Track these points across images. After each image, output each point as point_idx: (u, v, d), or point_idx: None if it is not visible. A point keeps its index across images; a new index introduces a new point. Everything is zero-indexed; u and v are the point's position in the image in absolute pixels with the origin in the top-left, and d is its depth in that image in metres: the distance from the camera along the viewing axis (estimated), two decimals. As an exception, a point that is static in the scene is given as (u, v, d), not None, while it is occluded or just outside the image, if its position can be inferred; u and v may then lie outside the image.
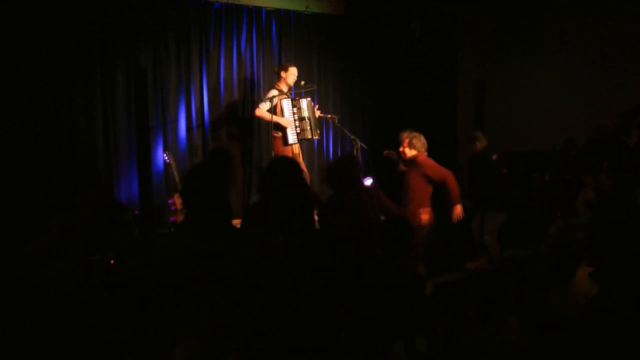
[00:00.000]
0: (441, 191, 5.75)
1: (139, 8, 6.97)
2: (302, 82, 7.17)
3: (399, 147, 5.91)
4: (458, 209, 5.75)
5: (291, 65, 7.08)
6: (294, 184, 3.29)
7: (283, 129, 6.84)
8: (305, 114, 6.94)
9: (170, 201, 6.75)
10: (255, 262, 2.99)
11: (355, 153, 7.04)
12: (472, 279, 5.77)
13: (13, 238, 5.28)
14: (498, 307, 3.07)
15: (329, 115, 7.56)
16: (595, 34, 9.75)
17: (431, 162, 5.68)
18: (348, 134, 7.36)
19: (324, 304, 3.01)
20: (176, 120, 7.38)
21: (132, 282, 4.38)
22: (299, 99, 7.01)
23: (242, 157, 7.91)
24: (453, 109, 10.14)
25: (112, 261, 4.75)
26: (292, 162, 3.70)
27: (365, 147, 7.23)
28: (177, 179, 6.68)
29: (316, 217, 5.60)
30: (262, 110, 6.81)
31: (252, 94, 7.95)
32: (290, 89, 7.07)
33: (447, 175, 5.62)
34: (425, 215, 5.57)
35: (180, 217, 6.47)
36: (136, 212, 6.62)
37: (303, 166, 7.09)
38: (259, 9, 7.95)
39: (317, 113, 7.25)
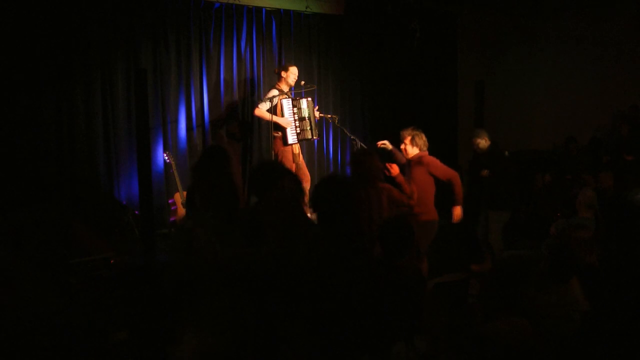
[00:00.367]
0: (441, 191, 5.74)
1: (139, 8, 6.97)
2: (302, 82, 7.16)
3: (399, 146, 5.89)
4: (459, 210, 5.75)
5: (291, 65, 7.08)
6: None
7: (283, 129, 6.84)
8: (306, 114, 6.94)
9: (170, 201, 6.76)
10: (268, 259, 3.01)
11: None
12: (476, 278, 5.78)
13: (12, 238, 5.27)
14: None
15: (329, 115, 7.56)
16: (595, 34, 9.76)
17: (438, 161, 5.68)
18: (348, 133, 7.36)
19: (326, 303, 3.01)
20: (176, 120, 7.38)
21: (131, 282, 4.38)
22: (299, 99, 7.01)
23: (243, 157, 7.91)
24: (453, 109, 10.14)
25: (111, 261, 4.74)
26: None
27: (365, 147, 7.22)
28: (177, 179, 6.68)
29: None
30: (262, 110, 6.81)
31: (252, 94, 7.95)
32: (290, 88, 7.07)
33: (454, 175, 5.62)
34: (430, 214, 5.56)
35: (179, 217, 6.47)
36: (136, 212, 6.62)
37: (304, 165, 7.12)
38: (259, 9, 7.95)
39: (317, 114, 7.25)
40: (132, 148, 6.96)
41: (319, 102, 8.29)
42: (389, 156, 6.02)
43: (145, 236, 5.39)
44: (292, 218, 3.94)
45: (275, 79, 7.28)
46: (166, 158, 6.88)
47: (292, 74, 6.98)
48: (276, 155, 6.87)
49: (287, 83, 6.99)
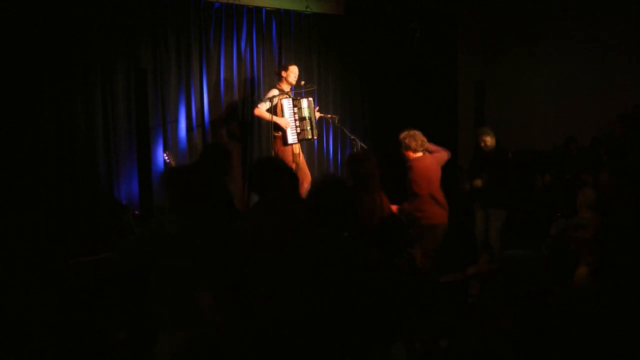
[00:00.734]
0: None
1: (139, 8, 6.97)
2: (302, 82, 7.16)
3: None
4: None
5: (291, 65, 7.09)
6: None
7: (283, 129, 6.84)
8: (306, 113, 6.94)
9: (170, 201, 6.74)
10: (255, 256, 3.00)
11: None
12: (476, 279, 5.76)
13: (12, 239, 5.27)
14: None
15: (329, 115, 7.56)
16: (595, 34, 9.76)
17: (417, 170, 5.59)
18: (348, 133, 7.36)
19: (324, 304, 3.00)
20: (176, 120, 7.38)
21: (131, 282, 4.37)
22: (300, 99, 7.01)
23: (243, 157, 7.90)
24: (453, 109, 10.13)
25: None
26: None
27: (365, 147, 7.22)
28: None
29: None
30: (261, 109, 6.81)
31: (252, 93, 7.94)
32: (291, 88, 7.07)
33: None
34: (432, 218, 5.54)
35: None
36: (136, 212, 6.62)
37: (304, 165, 7.12)
38: (259, 9, 7.95)
39: (317, 114, 7.25)
40: (132, 148, 6.96)
41: (319, 102, 8.29)
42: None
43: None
44: (291, 218, 3.93)
45: (275, 79, 7.28)
46: (166, 158, 6.87)
47: (292, 74, 6.99)
48: (276, 154, 6.87)
49: (287, 83, 6.99)
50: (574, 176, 8.00)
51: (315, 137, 7.20)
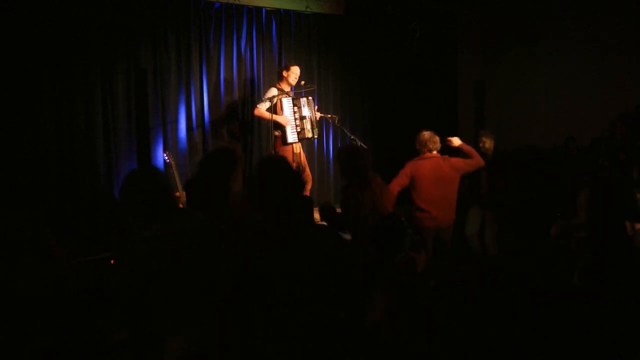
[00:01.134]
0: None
1: (139, 8, 6.97)
2: (302, 82, 7.17)
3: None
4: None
5: (293, 65, 7.09)
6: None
7: (283, 128, 6.84)
8: (306, 112, 6.96)
9: (170, 201, 6.74)
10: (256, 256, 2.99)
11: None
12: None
13: (12, 239, 5.26)
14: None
15: (329, 115, 7.57)
16: (595, 34, 9.76)
17: (406, 169, 5.60)
18: (348, 133, 7.36)
19: (323, 304, 3.00)
20: (176, 120, 7.38)
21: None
22: (299, 98, 7.02)
23: (243, 156, 7.91)
24: (453, 109, 10.14)
25: (112, 261, 4.75)
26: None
27: (365, 147, 7.23)
28: (177, 179, 6.67)
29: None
30: (261, 109, 6.82)
31: (252, 93, 7.95)
32: (291, 88, 7.08)
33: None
34: (429, 220, 5.56)
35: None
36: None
37: (305, 165, 7.12)
38: (259, 9, 7.95)
39: (317, 115, 7.26)
40: (132, 148, 6.97)
41: (319, 102, 8.30)
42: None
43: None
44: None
45: (275, 79, 7.29)
46: (166, 158, 6.87)
47: (293, 74, 7.00)
48: (277, 154, 6.87)
49: (288, 83, 7.00)
50: (574, 176, 8.00)
51: (315, 137, 7.20)
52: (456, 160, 5.71)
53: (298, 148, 7.01)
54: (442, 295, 3.50)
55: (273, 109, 6.78)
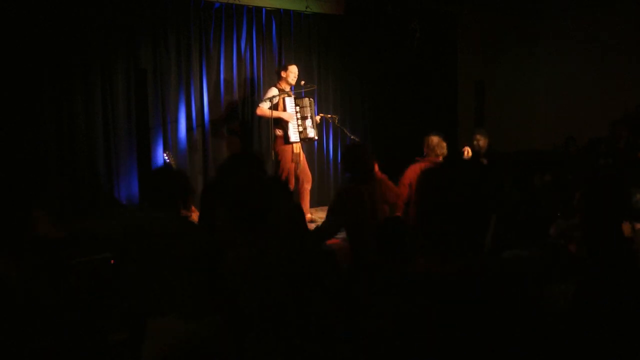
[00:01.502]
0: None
1: (139, 8, 6.98)
2: (302, 82, 7.19)
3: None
4: None
5: (291, 64, 7.10)
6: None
7: (285, 128, 6.85)
8: (308, 113, 6.97)
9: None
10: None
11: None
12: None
13: (12, 239, 5.26)
14: None
15: (329, 115, 7.58)
16: (595, 34, 9.76)
17: (407, 172, 5.62)
18: (348, 133, 7.38)
19: (321, 304, 3.01)
20: (176, 120, 7.39)
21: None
22: (301, 98, 7.04)
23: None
24: (453, 109, 10.14)
25: (112, 261, 4.74)
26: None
27: (357, 141, 7.26)
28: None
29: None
30: (264, 108, 6.82)
31: (252, 93, 7.96)
32: (291, 88, 7.09)
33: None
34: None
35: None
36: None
37: (305, 165, 7.12)
38: (259, 9, 7.95)
39: (318, 118, 7.27)
40: (132, 148, 6.98)
41: (319, 102, 8.30)
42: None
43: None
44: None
45: (275, 79, 7.30)
46: (166, 158, 6.88)
47: (291, 73, 7.01)
48: (276, 154, 6.88)
49: (287, 82, 7.01)
50: (574, 176, 8.00)
51: (315, 138, 7.21)
52: None
53: (297, 148, 7.01)
54: (441, 294, 3.51)
55: (274, 109, 6.79)
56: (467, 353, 2.98)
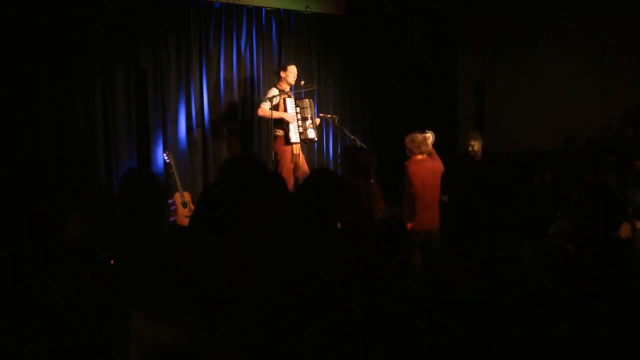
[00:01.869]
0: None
1: (139, 8, 6.98)
2: (302, 82, 7.20)
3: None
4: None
5: (290, 64, 7.11)
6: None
7: (286, 129, 6.85)
8: (308, 114, 6.98)
9: (169, 201, 6.76)
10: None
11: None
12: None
13: (12, 239, 5.26)
14: None
15: (329, 115, 7.59)
16: (595, 34, 9.77)
17: (409, 172, 5.62)
18: (348, 133, 7.38)
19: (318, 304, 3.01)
20: (176, 120, 7.39)
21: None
22: (302, 99, 7.05)
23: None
24: (453, 109, 10.14)
25: (112, 261, 4.74)
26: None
27: (365, 147, 7.24)
28: (177, 178, 6.69)
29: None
30: (264, 109, 6.83)
31: (252, 93, 7.96)
32: (290, 88, 7.10)
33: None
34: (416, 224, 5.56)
35: (179, 217, 6.48)
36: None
37: (305, 166, 7.13)
38: (259, 9, 7.96)
39: (317, 120, 7.27)
40: (132, 148, 6.98)
41: (319, 102, 8.31)
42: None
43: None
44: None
45: (275, 79, 7.30)
46: (166, 158, 6.89)
47: (291, 73, 7.02)
48: (276, 154, 6.90)
49: (286, 82, 7.03)
50: (574, 176, 8.02)
51: (315, 139, 7.21)
52: (441, 165, 5.81)
53: (297, 149, 7.02)
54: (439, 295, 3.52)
55: (275, 109, 6.80)
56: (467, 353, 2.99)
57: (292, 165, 6.90)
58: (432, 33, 9.00)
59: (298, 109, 6.98)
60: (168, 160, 6.84)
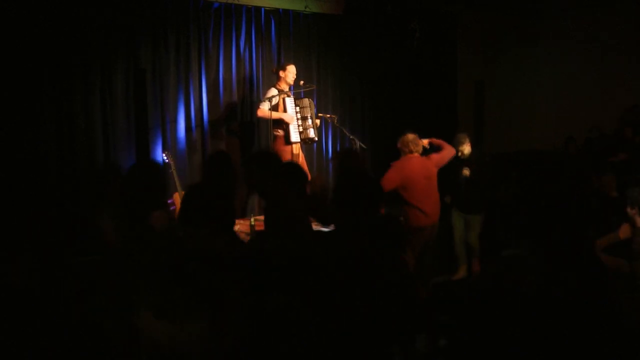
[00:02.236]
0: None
1: (139, 8, 7.01)
2: (302, 82, 7.22)
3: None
4: None
5: (289, 64, 7.14)
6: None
7: (286, 128, 6.87)
8: (308, 113, 7.00)
9: (169, 201, 6.78)
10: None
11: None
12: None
13: (12, 239, 5.27)
14: None
15: (329, 115, 7.62)
16: (595, 34, 9.79)
17: (394, 169, 5.64)
18: (347, 133, 7.40)
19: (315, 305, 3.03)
20: (175, 120, 7.42)
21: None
22: (301, 99, 7.07)
23: (242, 157, 7.93)
24: (452, 109, 10.17)
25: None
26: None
27: (365, 147, 7.27)
28: (176, 179, 6.70)
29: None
30: (264, 110, 6.85)
31: (252, 93, 7.99)
32: (290, 88, 7.12)
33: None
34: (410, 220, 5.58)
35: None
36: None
37: (304, 166, 7.14)
38: (258, 9, 7.99)
39: (317, 121, 7.29)
40: (132, 148, 6.99)
41: (319, 102, 8.34)
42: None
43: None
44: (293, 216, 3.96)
45: (274, 79, 7.32)
46: (165, 158, 6.90)
47: (290, 73, 7.04)
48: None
49: (285, 82, 7.05)
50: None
51: (315, 139, 7.23)
52: (434, 156, 5.84)
53: (297, 149, 7.05)
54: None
55: (274, 109, 6.82)
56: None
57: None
58: (432, 33, 9.03)
59: (298, 108, 7.01)
60: (167, 160, 6.85)
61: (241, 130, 7.97)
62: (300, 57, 8.26)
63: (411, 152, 5.66)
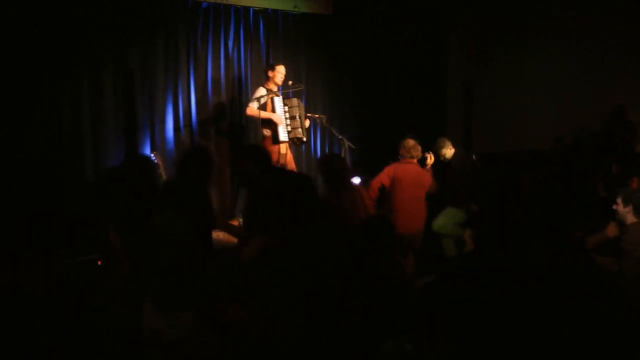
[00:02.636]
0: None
1: (127, 8, 7.06)
2: (290, 82, 7.29)
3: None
4: None
5: (278, 64, 7.24)
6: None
7: (274, 128, 6.93)
8: (297, 112, 7.07)
9: (158, 201, 6.81)
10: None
11: (342, 153, 7.16)
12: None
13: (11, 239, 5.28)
14: None
15: (317, 115, 7.70)
16: (587, 33, 9.87)
17: (386, 170, 5.81)
18: (336, 133, 7.49)
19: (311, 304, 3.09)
20: (164, 121, 7.50)
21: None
22: (290, 98, 7.14)
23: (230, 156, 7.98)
24: (442, 109, 10.27)
25: (99, 262, 4.79)
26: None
27: (354, 147, 7.35)
28: (164, 178, 6.73)
29: None
30: (253, 108, 6.93)
31: (240, 93, 8.08)
32: (278, 88, 7.18)
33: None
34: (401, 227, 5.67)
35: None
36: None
37: (292, 165, 7.21)
38: (246, 9, 8.11)
39: (307, 122, 7.33)
40: (120, 148, 7.03)
41: (308, 102, 8.43)
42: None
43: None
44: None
45: (263, 79, 7.38)
46: (154, 158, 6.92)
47: (279, 73, 7.14)
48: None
49: (274, 82, 7.15)
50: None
51: (304, 139, 7.28)
52: (426, 173, 6.03)
53: (284, 148, 7.14)
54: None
55: (263, 109, 6.89)
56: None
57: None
58: (424, 33, 9.12)
59: (286, 107, 7.08)
60: (156, 161, 6.88)
61: (230, 130, 8.03)
62: (289, 57, 8.39)
63: (411, 157, 5.80)
